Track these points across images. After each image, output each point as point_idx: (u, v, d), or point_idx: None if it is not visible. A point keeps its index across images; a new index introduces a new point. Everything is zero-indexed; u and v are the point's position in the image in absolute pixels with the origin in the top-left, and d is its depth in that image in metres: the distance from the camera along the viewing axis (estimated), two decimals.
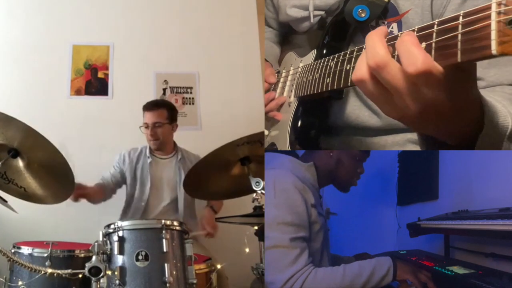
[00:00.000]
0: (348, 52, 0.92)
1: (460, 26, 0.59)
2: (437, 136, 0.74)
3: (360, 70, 0.68)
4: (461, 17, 0.59)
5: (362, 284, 1.06)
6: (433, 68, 0.60)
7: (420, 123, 0.68)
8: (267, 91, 1.42)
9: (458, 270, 1.16)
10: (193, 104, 3.09)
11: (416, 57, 0.60)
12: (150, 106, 2.43)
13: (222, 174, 1.80)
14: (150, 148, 2.49)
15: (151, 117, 2.39)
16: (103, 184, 2.42)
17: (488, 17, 0.55)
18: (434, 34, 0.63)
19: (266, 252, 1.11)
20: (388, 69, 0.63)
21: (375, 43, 0.66)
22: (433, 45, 0.63)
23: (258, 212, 1.55)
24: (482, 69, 1.00)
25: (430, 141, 0.79)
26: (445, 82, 0.61)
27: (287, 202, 1.15)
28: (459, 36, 0.59)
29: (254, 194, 1.58)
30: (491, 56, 0.55)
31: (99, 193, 2.39)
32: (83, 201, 2.25)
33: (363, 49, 0.69)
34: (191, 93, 3.10)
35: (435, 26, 0.63)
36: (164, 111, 2.42)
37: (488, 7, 0.55)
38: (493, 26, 0.54)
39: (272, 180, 1.18)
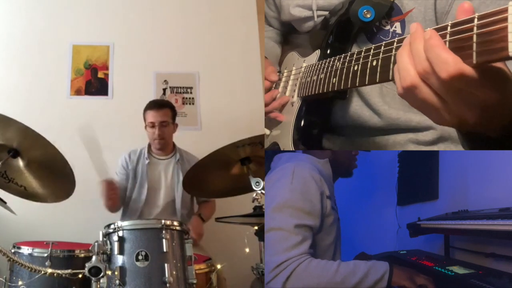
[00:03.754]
0: (356, 53, 0.92)
1: (475, 28, 0.59)
2: (485, 131, 0.73)
3: (410, 76, 0.66)
4: (476, 19, 0.59)
5: (354, 284, 1.03)
6: (465, 69, 0.60)
7: (475, 124, 0.67)
8: (267, 89, 1.41)
9: (458, 270, 1.16)
10: (193, 104, 3.08)
11: (446, 62, 0.60)
12: (155, 105, 2.42)
13: (222, 173, 1.80)
14: (148, 149, 2.48)
15: (158, 116, 2.37)
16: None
17: (505, 19, 0.55)
18: (448, 35, 0.63)
19: (268, 233, 1.11)
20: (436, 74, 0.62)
21: (419, 48, 0.64)
22: (447, 45, 0.63)
23: (258, 212, 1.55)
24: None
25: (474, 138, 0.78)
26: (487, 81, 0.61)
27: (302, 189, 1.15)
28: (475, 38, 0.59)
29: (254, 194, 1.58)
30: (508, 58, 0.56)
31: (118, 202, 2.39)
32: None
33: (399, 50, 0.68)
34: (191, 93, 3.09)
35: (449, 27, 0.63)
36: (169, 111, 2.43)
37: (505, 10, 0.56)
38: (510, 28, 0.55)
39: (292, 168, 1.18)
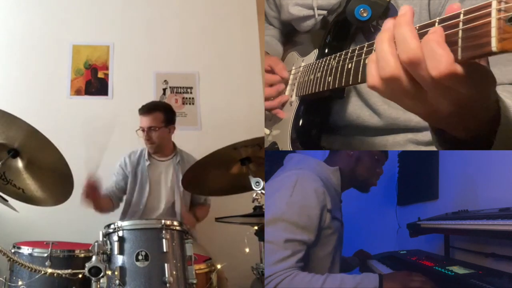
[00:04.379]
0: (350, 51, 0.92)
1: (461, 24, 0.59)
2: (456, 133, 0.72)
3: (390, 67, 0.62)
4: (462, 15, 0.59)
5: None
6: (457, 70, 0.58)
7: (448, 121, 0.66)
8: (270, 84, 1.39)
9: (458, 270, 1.16)
10: (193, 104, 3.08)
11: (439, 59, 0.58)
12: (144, 110, 2.41)
13: (221, 172, 1.80)
14: (148, 151, 2.49)
15: (146, 121, 2.37)
16: (110, 195, 2.42)
17: (489, 14, 0.55)
18: None
19: (265, 244, 1.11)
20: (423, 65, 0.59)
21: (406, 35, 0.60)
22: None
23: (258, 212, 1.55)
24: None
25: (445, 138, 0.77)
26: (469, 79, 0.60)
27: (301, 203, 1.14)
28: (460, 33, 0.59)
29: (254, 194, 1.58)
30: (491, 53, 0.55)
31: (108, 204, 2.39)
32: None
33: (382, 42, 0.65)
34: (191, 93, 3.10)
35: (436, 23, 0.63)
36: (160, 115, 2.40)
37: (489, 5, 0.55)
38: (493, 23, 0.54)
39: (294, 179, 1.17)
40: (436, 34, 0.59)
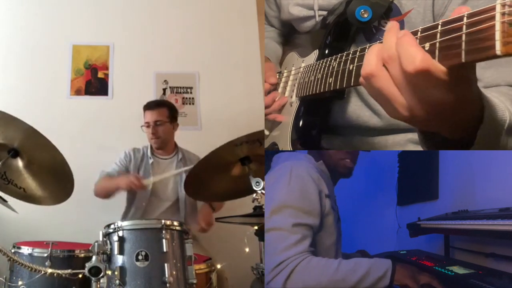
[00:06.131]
0: (351, 52, 0.92)
1: (464, 27, 0.59)
2: (439, 131, 0.74)
3: (370, 65, 0.68)
4: (465, 18, 0.59)
5: (355, 281, 1.03)
6: (431, 67, 0.61)
7: (426, 121, 0.69)
8: (268, 92, 1.41)
9: (458, 270, 1.16)
10: (193, 104, 3.09)
11: (414, 56, 0.61)
12: (151, 105, 2.44)
13: (222, 175, 1.79)
14: (151, 149, 2.49)
15: (152, 116, 2.39)
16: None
17: (493, 18, 0.55)
18: (438, 35, 0.63)
19: (267, 234, 1.11)
20: (397, 62, 0.64)
21: (390, 39, 0.66)
22: (437, 45, 0.63)
23: (258, 212, 1.55)
24: (479, 69, 1.01)
25: (431, 137, 0.79)
26: (449, 81, 0.62)
27: (301, 188, 1.16)
28: (463, 37, 0.59)
29: (254, 194, 1.58)
30: (496, 57, 0.56)
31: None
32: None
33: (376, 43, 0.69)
34: (191, 93, 3.10)
35: (439, 26, 0.63)
36: (165, 110, 2.43)
37: (493, 8, 0.55)
38: (498, 27, 0.55)
39: (289, 168, 1.19)
40: (409, 36, 0.64)
